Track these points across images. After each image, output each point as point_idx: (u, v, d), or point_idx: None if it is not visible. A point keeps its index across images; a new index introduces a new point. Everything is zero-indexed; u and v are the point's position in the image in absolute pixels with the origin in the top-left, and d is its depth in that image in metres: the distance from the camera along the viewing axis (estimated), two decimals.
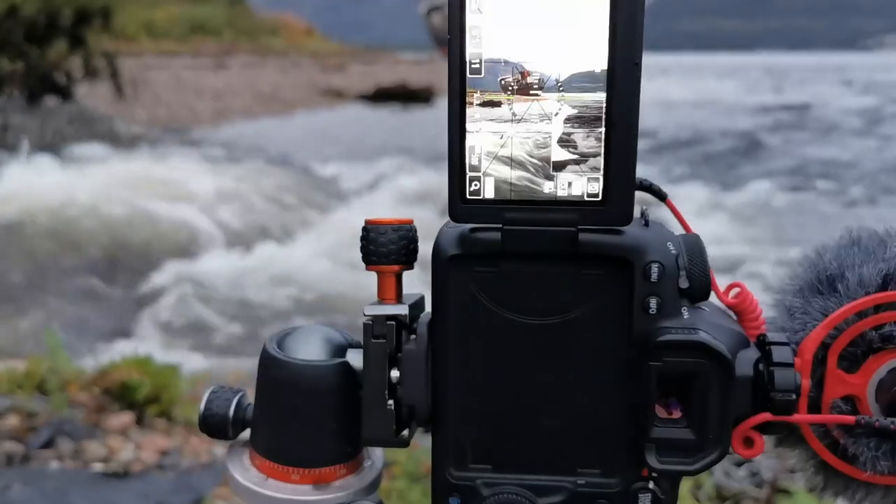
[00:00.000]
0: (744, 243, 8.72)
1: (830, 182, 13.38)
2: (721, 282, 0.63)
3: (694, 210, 9.94)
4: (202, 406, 0.66)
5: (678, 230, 0.63)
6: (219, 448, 3.32)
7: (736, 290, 0.63)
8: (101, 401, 3.65)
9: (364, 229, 0.62)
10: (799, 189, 12.57)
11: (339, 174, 12.91)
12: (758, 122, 22.52)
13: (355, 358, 0.63)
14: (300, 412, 0.62)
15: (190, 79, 25.47)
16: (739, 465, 2.90)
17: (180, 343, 5.69)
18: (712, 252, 0.62)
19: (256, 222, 9.23)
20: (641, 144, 0.56)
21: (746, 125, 21.90)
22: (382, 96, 29.79)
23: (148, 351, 4.10)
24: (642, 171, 0.57)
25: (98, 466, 3.26)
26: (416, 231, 0.63)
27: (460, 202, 0.57)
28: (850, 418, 0.56)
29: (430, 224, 0.65)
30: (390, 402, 0.60)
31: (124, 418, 3.56)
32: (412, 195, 10.26)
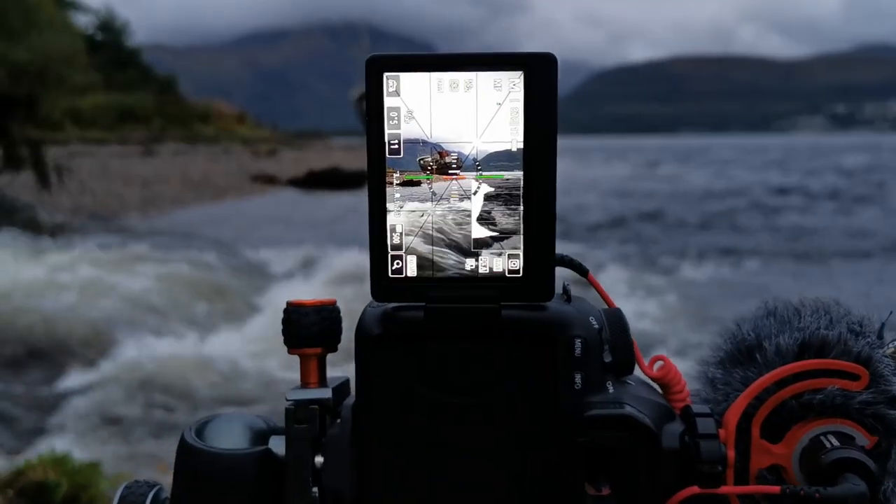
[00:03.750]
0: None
1: None
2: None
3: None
4: (115, 502, 0.62)
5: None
6: None
7: (660, 363, 0.64)
8: (15, 503, 3.44)
9: (285, 311, 0.61)
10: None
11: (269, 259, 12.78)
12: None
13: (278, 445, 0.61)
14: (221, 503, 0.60)
15: (117, 167, 25.14)
16: None
17: (101, 439, 5.44)
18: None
19: (182, 311, 9.01)
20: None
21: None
22: (314, 181, 29.90)
23: (66, 449, 3.91)
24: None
25: None
26: (339, 312, 0.62)
27: (383, 281, 0.57)
28: (776, 488, 0.56)
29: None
30: (315, 489, 0.58)
31: None
32: (346, 277, 10.18)
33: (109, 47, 42.44)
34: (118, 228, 16.46)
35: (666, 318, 8.93)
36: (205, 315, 8.96)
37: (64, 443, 4.98)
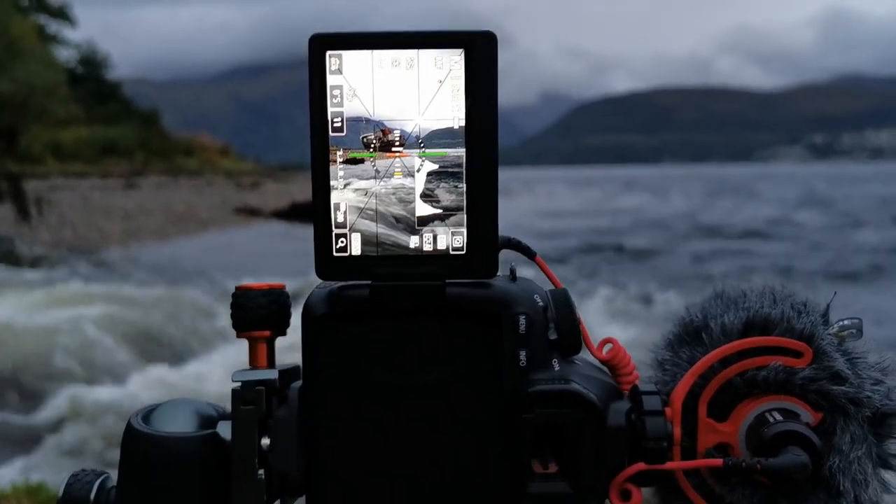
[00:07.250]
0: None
1: None
2: None
3: None
4: (61, 491, 0.61)
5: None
6: None
7: (609, 345, 0.64)
8: None
9: (234, 296, 0.61)
10: None
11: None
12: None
13: (226, 430, 0.60)
14: (167, 487, 0.59)
15: (98, 200, 24.95)
16: None
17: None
18: None
19: (162, 342, 8.92)
20: None
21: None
22: (298, 213, 29.85)
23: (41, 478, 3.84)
24: None
25: None
26: (288, 296, 0.63)
27: (327, 259, 0.57)
28: (718, 461, 0.57)
29: None
30: (261, 471, 0.58)
31: None
32: None
33: (91, 81, 42.39)
34: (98, 261, 16.33)
35: None
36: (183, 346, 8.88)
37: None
